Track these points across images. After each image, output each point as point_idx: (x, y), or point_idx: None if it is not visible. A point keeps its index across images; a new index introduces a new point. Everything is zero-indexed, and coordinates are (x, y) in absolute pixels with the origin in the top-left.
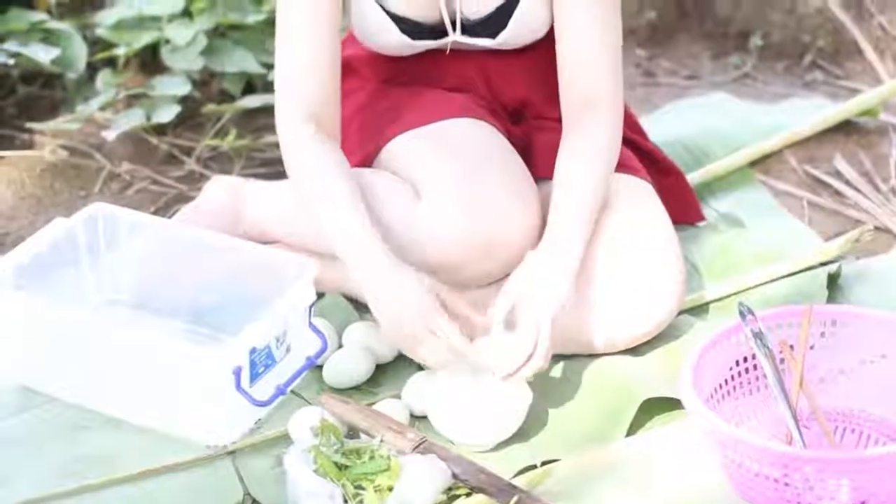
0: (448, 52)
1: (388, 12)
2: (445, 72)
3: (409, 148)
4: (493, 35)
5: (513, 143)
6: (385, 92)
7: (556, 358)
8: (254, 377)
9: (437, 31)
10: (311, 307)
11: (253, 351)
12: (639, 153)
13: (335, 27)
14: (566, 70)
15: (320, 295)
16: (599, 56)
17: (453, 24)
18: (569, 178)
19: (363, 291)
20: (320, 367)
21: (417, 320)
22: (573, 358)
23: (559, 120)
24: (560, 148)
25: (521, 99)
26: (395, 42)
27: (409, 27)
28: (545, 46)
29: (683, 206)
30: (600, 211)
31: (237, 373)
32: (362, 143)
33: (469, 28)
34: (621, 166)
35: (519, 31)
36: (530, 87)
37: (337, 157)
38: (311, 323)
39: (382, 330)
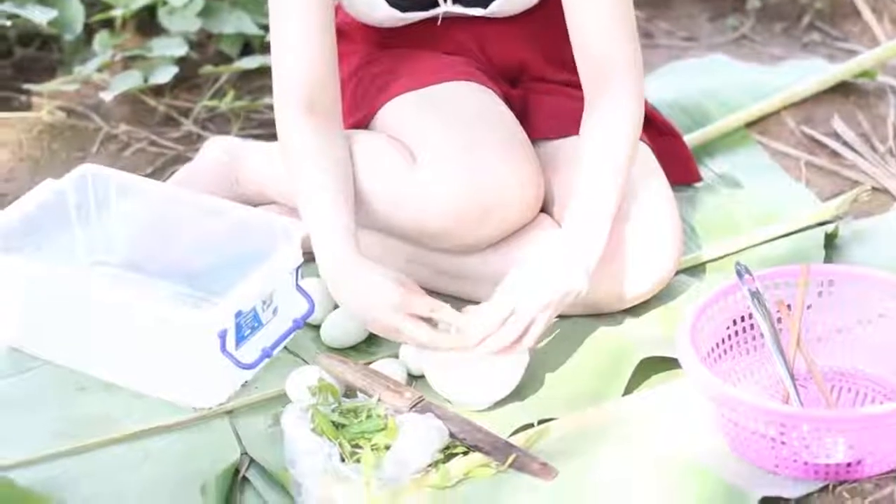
0: (440, 21)
1: None
2: (439, 39)
3: (405, 111)
4: (485, 4)
5: (510, 106)
6: (379, 55)
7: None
8: (240, 340)
9: (427, 1)
10: (298, 269)
11: (239, 314)
12: None
13: (329, 9)
14: (577, 43)
15: None
16: (610, 24)
17: None
18: (590, 167)
19: (329, 287)
20: (317, 327)
21: (384, 318)
22: (570, 317)
23: (560, 82)
24: (581, 127)
25: (518, 62)
26: (385, 16)
27: (398, 0)
28: (542, 9)
29: (680, 167)
30: (626, 184)
31: (222, 336)
32: (358, 105)
33: None
34: None
35: (511, 0)
36: (527, 51)
37: (329, 147)
38: (298, 285)
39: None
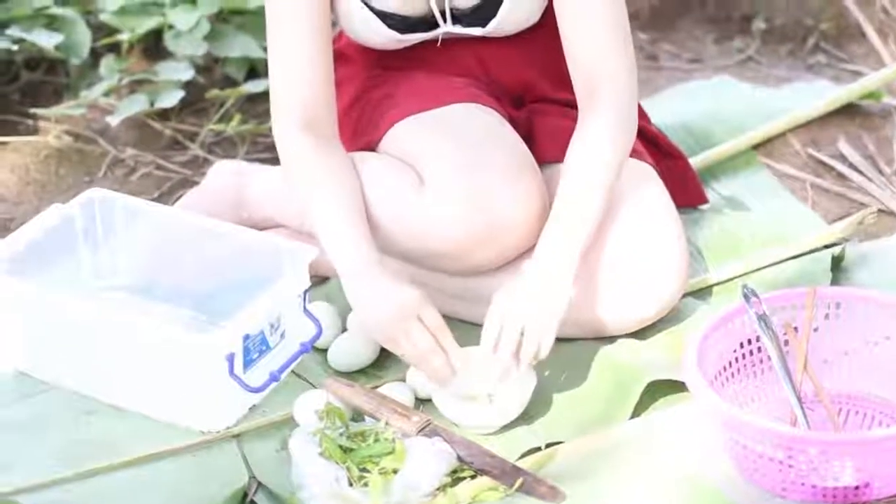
0: (440, 42)
1: (373, 9)
2: (440, 60)
3: (411, 133)
4: (484, 24)
5: (515, 128)
6: (383, 78)
7: (560, 341)
8: (247, 363)
9: (426, 23)
10: (306, 293)
11: (247, 337)
12: (642, 137)
13: (326, 30)
14: (570, 54)
15: (325, 279)
16: (602, 36)
17: (443, 14)
18: (569, 185)
19: (348, 297)
20: (325, 351)
21: (391, 322)
22: (577, 341)
23: (564, 102)
24: (573, 137)
25: (521, 82)
26: (384, 38)
27: (397, 22)
28: (543, 28)
29: (686, 190)
30: (607, 205)
31: (230, 359)
32: (363, 129)
33: (459, 17)
34: None
35: (510, 19)
36: (529, 70)
37: (332, 161)
38: (306, 309)
39: (366, 331)
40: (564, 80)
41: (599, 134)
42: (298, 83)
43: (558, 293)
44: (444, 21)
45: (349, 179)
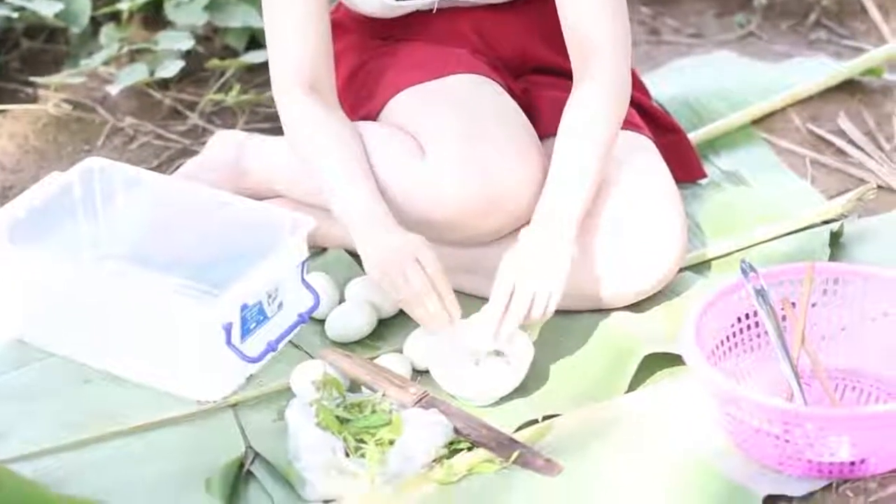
0: (435, 10)
1: None
2: (438, 28)
3: (411, 105)
4: None
5: (515, 99)
6: (382, 49)
7: (558, 314)
8: (245, 333)
9: None
10: (304, 263)
11: (244, 307)
12: (641, 111)
13: None
14: (565, 22)
15: (323, 250)
16: (596, 2)
17: None
18: (564, 147)
19: (357, 246)
20: (322, 322)
21: (396, 259)
22: (574, 314)
23: (561, 72)
24: (568, 101)
25: (519, 50)
26: (379, 5)
27: None
28: None
29: (685, 164)
30: (604, 169)
31: (228, 329)
32: (363, 101)
33: None
34: (625, 123)
35: None
36: (527, 37)
37: (334, 118)
38: (304, 279)
39: (370, 276)
40: (562, 48)
41: (595, 96)
42: (298, 47)
43: (562, 251)
44: None
45: (353, 139)
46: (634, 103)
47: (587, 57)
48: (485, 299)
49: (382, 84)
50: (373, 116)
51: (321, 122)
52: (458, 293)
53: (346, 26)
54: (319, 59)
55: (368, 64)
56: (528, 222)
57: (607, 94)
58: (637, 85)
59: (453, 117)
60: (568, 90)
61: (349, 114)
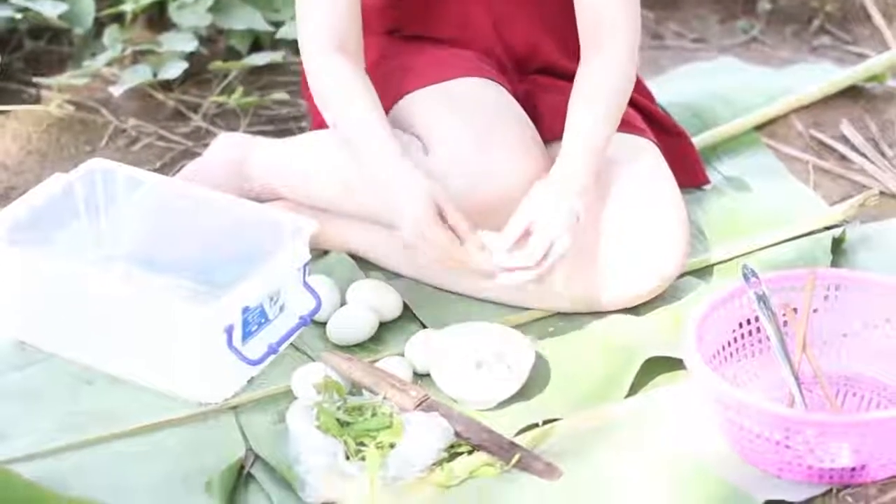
0: None
1: None
2: (452, 15)
3: (418, 106)
4: None
5: (517, 101)
6: (393, 49)
7: (558, 317)
8: (246, 335)
9: None
10: (305, 266)
11: (246, 310)
12: (646, 115)
13: None
14: (578, 2)
15: (325, 252)
16: None
17: None
18: (576, 115)
19: (387, 201)
20: (324, 324)
21: (419, 216)
22: (575, 317)
23: (566, 76)
24: (576, 75)
25: (530, 45)
26: None
27: None
28: None
29: (689, 170)
30: (611, 136)
31: (229, 331)
32: None
33: None
34: (628, 126)
35: None
36: (540, 35)
37: (361, 76)
38: (305, 282)
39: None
40: (572, 49)
41: (605, 67)
42: (327, 9)
43: (567, 209)
44: None
45: (378, 100)
46: (639, 107)
47: (599, 33)
48: (484, 301)
49: (392, 84)
50: None
51: (349, 79)
52: (459, 295)
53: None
54: (348, 22)
55: (377, 67)
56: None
57: (617, 65)
58: (642, 89)
59: (459, 120)
60: (566, 91)
61: None
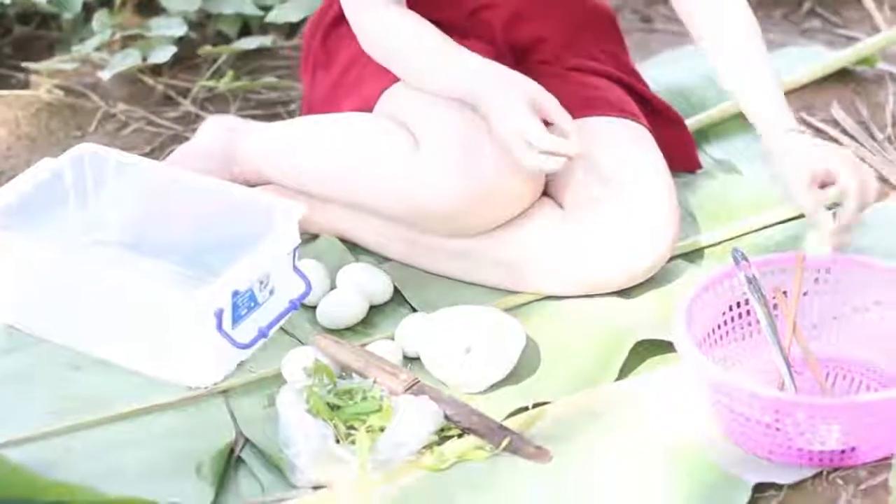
0: None
1: None
2: (468, 4)
3: (408, 95)
4: None
5: None
6: None
7: (548, 300)
8: (236, 319)
9: None
10: (295, 250)
11: (235, 293)
12: (642, 101)
13: None
14: None
15: (314, 236)
16: None
17: None
18: (742, 53)
19: (484, 108)
20: (314, 308)
21: (521, 108)
22: (565, 300)
23: (567, 67)
24: (694, 28)
25: (532, 38)
26: None
27: None
28: None
29: (681, 154)
30: None
31: (219, 315)
32: (360, 89)
33: None
34: (619, 110)
35: None
36: (545, 28)
37: (413, 14)
38: (295, 266)
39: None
40: (575, 46)
41: (737, 10)
42: None
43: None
44: None
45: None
46: (635, 92)
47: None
48: (475, 284)
49: (379, 74)
50: (368, 106)
51: (404, 16)
52: (449, 279)
53: None
54: None
55: (366, 54)
56: (521, 215)
57: (744, 8)
58: (633, 73)
59: (450, 110)
60: (571, 81)
61: (345, 99)
